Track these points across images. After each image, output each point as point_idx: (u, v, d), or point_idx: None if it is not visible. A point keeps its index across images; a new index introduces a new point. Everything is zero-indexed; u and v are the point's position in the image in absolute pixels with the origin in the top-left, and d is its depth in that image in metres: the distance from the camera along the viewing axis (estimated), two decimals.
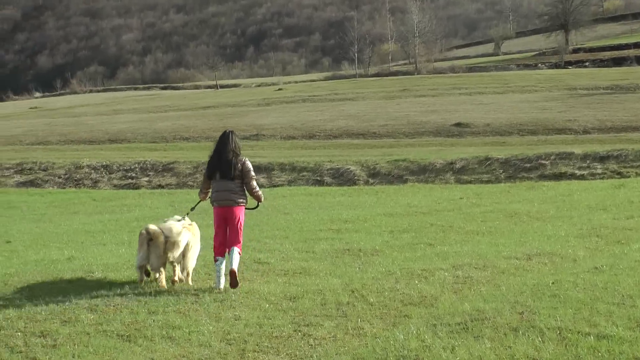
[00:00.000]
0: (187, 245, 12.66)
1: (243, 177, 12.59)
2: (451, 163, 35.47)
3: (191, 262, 12.77)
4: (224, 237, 12.68)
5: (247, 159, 12.80)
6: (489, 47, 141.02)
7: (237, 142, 12.78)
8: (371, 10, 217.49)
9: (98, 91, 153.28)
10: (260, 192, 13.06)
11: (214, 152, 12.84)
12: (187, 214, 13.60)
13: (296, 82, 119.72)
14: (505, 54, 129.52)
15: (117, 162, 41.10)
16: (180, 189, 35.99)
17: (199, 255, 13.26)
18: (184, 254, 12.57)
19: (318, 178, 35.43)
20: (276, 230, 19.06)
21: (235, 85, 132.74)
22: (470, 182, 33.10)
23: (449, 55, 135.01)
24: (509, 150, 38.18)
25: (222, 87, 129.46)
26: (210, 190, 12.91)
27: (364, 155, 39.87)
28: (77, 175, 39.39)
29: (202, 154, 43.60)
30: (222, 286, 12.09)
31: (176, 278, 12.49)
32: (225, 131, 12.82)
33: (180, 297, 11.53)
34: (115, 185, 37.87)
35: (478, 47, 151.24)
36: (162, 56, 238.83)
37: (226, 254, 12.51)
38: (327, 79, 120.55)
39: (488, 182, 32.87)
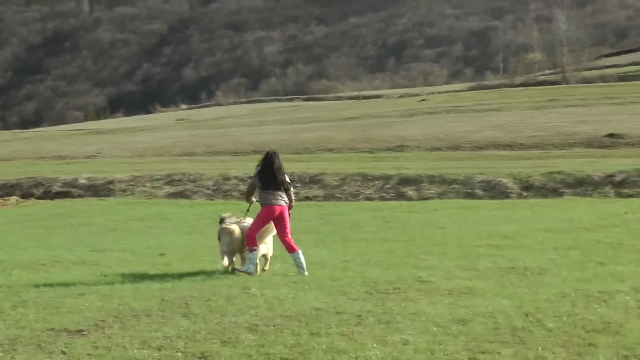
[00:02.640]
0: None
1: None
2: (610, 175, 33.91)
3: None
4: None
5: None
6: None
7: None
8: (514, 20, 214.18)
9: (242, 103, 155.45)
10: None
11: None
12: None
13: (439, 92, 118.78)
14: None
15: None
16: (328, 200, 35.55)
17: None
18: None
19: (469, 191, 34.43)
20: (433, 246, 18.31)
21: (377, 96, 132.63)
22: (631, 195, 31.54)
23: (598, 64, 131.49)
24: None
25: (364, 98, 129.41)
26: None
27: (513, 167, 38.68)
28: (225, 187, 39.39)
29: (347, 165, 43.29)
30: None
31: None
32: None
33: (343, 317, 10.87)
34: None
35: (629, 56, 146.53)
36: (304, 68, 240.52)
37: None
38: (471, 89, 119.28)
39: None
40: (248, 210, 15.61)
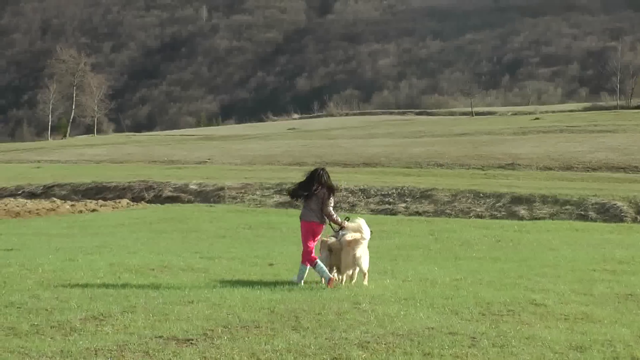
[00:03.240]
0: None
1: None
2: None
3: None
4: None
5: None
6: None
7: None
8: (633, 41, 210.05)
9: (354, 114, 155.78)
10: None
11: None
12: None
13: (553, 111, 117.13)
14: None
15: (374, 186, 40.78)
16: (438, 216, 35.13)
17: None
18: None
19: (582, 212, 33.64)
20: (545, 268, 17.85)
21: (490, 113, 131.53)
22: None
23: None
24: None
25: (477, 114, 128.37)
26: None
27: (627, 190, 37.73)
28: (336, 199, 39.32)
29: (458, 181, 42.86)
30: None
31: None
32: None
33: (456, 338, 10.57)
34: (372, 210, 37.44)
35: None
36: (417, 82, 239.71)
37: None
38: (585, 109, 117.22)
39: None
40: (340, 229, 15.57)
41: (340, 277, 15.40)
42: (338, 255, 15.25)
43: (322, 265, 14.96)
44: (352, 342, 10.28)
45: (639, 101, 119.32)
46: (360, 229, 15.17)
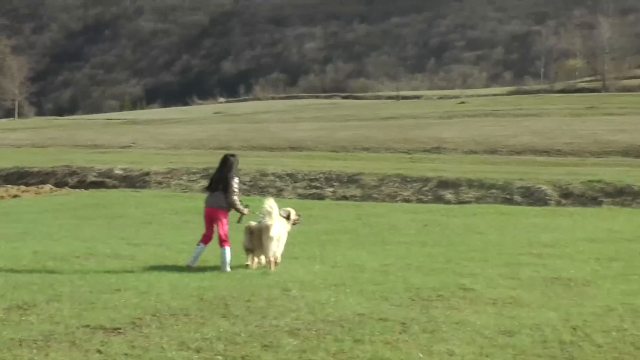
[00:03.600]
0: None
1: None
2: None
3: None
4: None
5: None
6: None
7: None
8: (557, 25, 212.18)
9: (280, 98, 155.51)
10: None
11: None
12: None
13: (478, 95, 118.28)
14: None
15: (301, 171, 40.70)
16: (366, 201, 35.20)
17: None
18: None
19: (507, 196, 33.96)
20: (473, 252, 17.96)
21: (416, 97, 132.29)
22: None
23: (638, 73, 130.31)
24: None
25: (403, 98, 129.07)
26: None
27: (551, 173, 38.22)
28: (262, 183, 39.15)
29: (384, 165, 42.99)
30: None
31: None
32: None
33: (387, 324, 10.56)
34: (299, 195, 37.36)
35: None
36: (343, 65, 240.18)
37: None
38: (510, 93, 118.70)
39: None
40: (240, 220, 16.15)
41: (260, 260, 15.66)
42: (258, 239, 15.26)
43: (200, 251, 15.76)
44: (283, 329, 10.22)
45: (562, 85, 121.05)
46: (269, 212, 15.33)
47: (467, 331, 10.32)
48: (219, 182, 15.84)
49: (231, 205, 15.68)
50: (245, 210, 15.81)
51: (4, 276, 14.04)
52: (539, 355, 9.34)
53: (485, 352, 9.41)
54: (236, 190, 15.69)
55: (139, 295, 12.33)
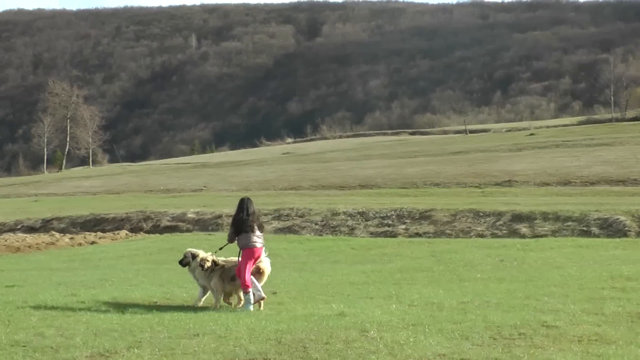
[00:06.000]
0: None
1: None
2: None
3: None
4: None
5: None
6: None
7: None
8: (624, 52, 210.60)
9: (347, 136, 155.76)
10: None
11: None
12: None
13: (547, 126, 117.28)
14: None
15: (372, 208, 40.54)
16: (439, 237, 34.89)
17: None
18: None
19: (584, 228, 33.36)
20: (553, 287, 17.55)
21: (484, 130, 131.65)
22: None
23: None
24: None
25: (470, 132, 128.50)
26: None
27: (628, 203, 37.53)
28: (334, 222, 39.07)
29: (456, 200, 42.66)
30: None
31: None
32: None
33: None
34: (371, 233, 37.22)
35: None
36: (408, 101, 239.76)
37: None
38: (580, 123, 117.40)
39: None
40: (221, 249, 17.57)
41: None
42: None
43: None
44: None
45: (634, 113, 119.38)
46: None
47: None
48: (254, 222, 16.41)
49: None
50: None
51: (85, 323, 14.09)
52: None
53: None
54: None
55: (217, 340, 12.28)
